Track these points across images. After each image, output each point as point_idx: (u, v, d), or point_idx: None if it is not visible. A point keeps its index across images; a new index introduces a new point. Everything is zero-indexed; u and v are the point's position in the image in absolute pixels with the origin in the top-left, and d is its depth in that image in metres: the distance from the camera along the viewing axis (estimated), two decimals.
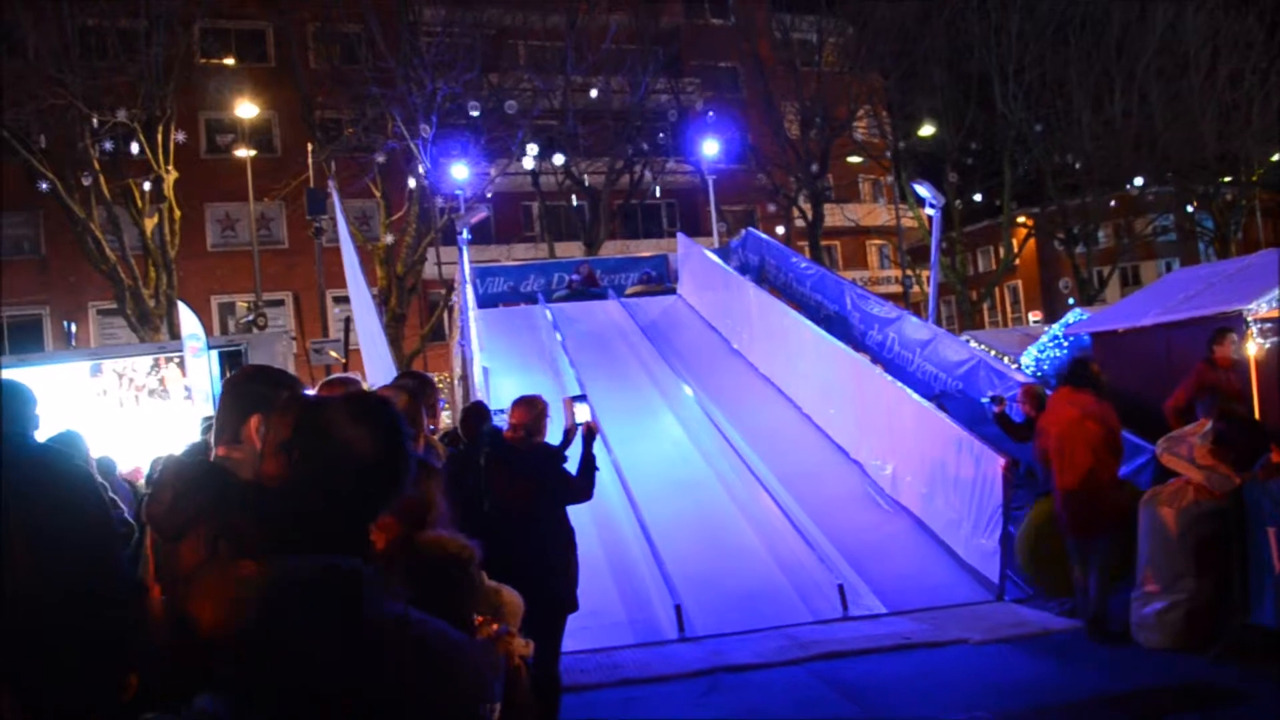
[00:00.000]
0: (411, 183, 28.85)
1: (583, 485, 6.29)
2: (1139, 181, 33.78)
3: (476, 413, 6.72)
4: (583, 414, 6.55)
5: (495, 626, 2.75)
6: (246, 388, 2.98)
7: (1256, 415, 9.11)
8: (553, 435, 6.60)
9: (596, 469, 6.43)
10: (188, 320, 14.23)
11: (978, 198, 35.31)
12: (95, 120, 24.46)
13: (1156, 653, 7.40)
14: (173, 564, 2.76)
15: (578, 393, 7.23)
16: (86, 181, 24.88)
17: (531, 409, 6.21)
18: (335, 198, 19.00)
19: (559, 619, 5.91)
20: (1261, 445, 7.29)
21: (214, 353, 14.46)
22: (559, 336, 16.44)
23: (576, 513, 6.40)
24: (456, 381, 18.67)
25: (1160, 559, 7.56)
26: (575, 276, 21.08)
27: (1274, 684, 6.55)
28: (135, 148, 25.57)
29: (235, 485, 2.80)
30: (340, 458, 2.02)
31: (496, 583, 3.41)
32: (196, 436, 3.55)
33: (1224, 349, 9.72)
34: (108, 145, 25.19)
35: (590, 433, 6.47)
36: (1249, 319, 11.21)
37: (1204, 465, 7.40)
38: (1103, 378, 8.29)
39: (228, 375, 3.05)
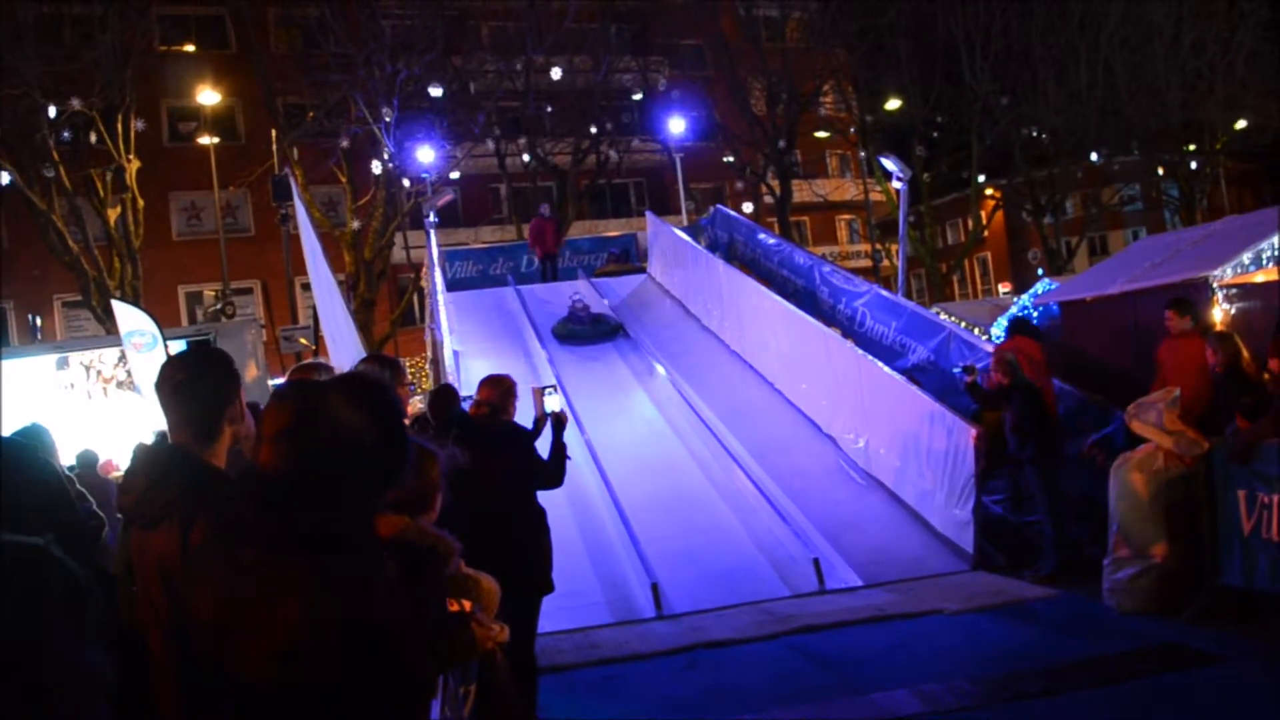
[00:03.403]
0: (376, 167, 28.65)
1: (554, 470, 6.21)
2: (1105, 152, 34.04)
3: (445, 395, 6.66)
4: (553, 403, 6.46)
5: (468, 605, 2.73)
6: (216, 378, 2.92)
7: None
8: (523, 422, 6.55)
9: (569, 457, 6.36)
10: (127, 317, 13.68)
11: (945, 170, 35.40)
12: (52, 110, 24.11)
13: (1130, 617, 7.46)
14: (145, 553, 2.73)
15: (550, 382, 7.13)
16: (48, 174, 24.54)
17: (497, 387, 6.16)
18: (293, 183, 18.80)
19: (534, 601, 5.88)
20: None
21: (182, 344, 14.32)
22: (530, 318, 16.42)
23: (551, 493, 6.35)
24: (428, 365, 18.62)
25: (1131, 524, 7.62)
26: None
27: (1246, 644, 6.62)
28: (95, 137, 25.24)
29: (210, 472, 2.77)
30: (340, 444, 2.00)
31: (474, 570, 3.38)
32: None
33: (1180, 321, 9.65)
34: (66, 135, 24.84)
35: (560, 421, 6.40)
36: (1214, 285, 11.29)
37: (1173, 430, 7.45)
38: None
39: (175, 368, 2.96)
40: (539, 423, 6.54)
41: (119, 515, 2.95)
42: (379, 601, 1.92)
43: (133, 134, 25.87)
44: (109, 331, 23.80)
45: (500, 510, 5.68)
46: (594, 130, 33.69)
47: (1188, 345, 9.35)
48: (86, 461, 10.19)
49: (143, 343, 13.36)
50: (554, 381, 6.59)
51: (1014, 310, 16.64)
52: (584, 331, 16.08)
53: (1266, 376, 8.07)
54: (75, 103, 24.01)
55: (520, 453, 6.08)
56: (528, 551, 5.81)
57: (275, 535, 1.93)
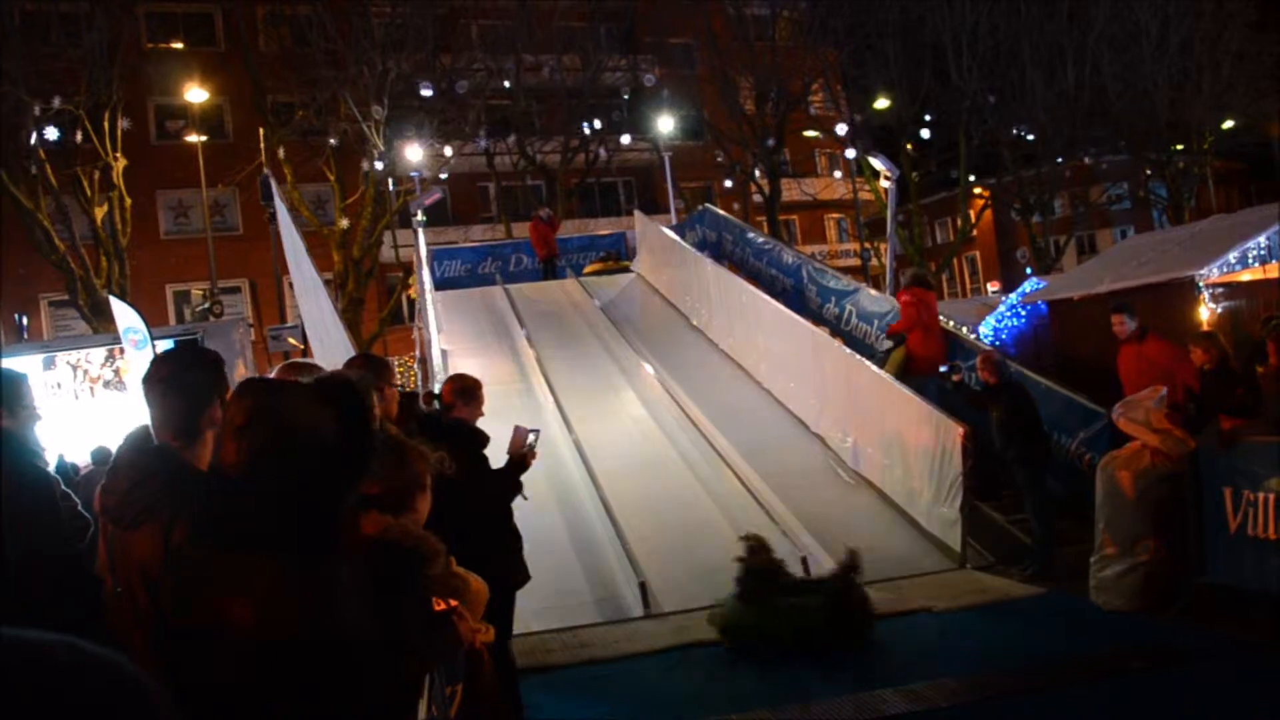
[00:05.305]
0: (365, 165, 28.58)
1: (496, 492, 5.88)
2: (1092, 151, 34.16)
3: (403, 402, 6.57)
4: (529, 441, 6.14)
5: (454, 603, 2.72)
6: (199, 376, 2.91)
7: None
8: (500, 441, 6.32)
9: (525, 497, 6.10)
10: (123, 314, 13.70)
11: (934, 169, 35.45)
12: (38, 109, 23.99)
13: (1116, 615, 7.49)
14: (127, 554, 2.72)
15: (536, 427, 6.80)
16: (33, 171, 24.42)
17: (456, 384, 6.10)
18: (272, 183, 18.70)
19: (508, 597, 5.79)
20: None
21: (169, 343, 14.27)
22: (518, 317, 16.39)
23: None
24: (417, 364, 18.60)
25: (1118, 522, 7.65)
26: None
27: (1231, 642, 6.65)
28: (81, 135, 25.12)
29: (191, 473, 2.75)
30: (294, 441, 1.97)
31: (464, 569, 3.37)
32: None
33: (1129, 324, 9.66)
34: (53, 134, 24.73)
35: (525, 459, 6.06)
36: (1201, 284, 11.35)
37: (1159, 429, 7.49)
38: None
39: (161, 364, 2.94)
40: (512, 460, 6.19)
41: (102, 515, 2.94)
42: (334, 602, 1.88)
43: (119, 132, 25.75)
44: (96, 331, 23.75)
45: (465, 509, 5.46)
46: (584, 129, 33.67)
47: (1134, 349, 9.46)
48: (101, 459, 10.15)
49: (136, 339, 13.36)
50: (539, 427, 6.04)
51: (1001, 309, 16.71)
52: None
53: (1260, 369, 8.12)
54: (58, 102, 23.88)
55: (469, 454, 5.81)
56: (490, 548, 5.66)
57: (230, 533, 1.91)
